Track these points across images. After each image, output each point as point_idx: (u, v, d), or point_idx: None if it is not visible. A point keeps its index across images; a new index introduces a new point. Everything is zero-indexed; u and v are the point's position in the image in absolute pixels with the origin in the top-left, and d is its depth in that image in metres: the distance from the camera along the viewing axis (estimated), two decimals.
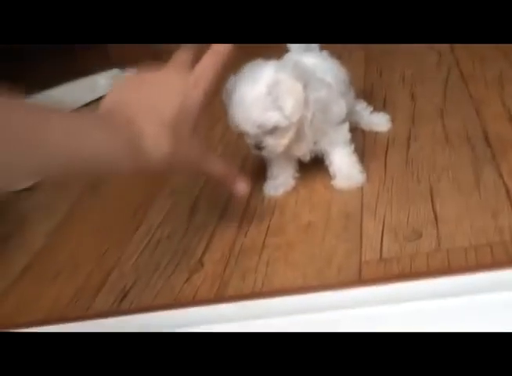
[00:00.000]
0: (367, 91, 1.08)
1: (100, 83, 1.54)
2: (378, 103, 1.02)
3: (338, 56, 0.93)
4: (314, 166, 0.87)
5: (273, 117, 0.76)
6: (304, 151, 0.84)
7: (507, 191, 0.73)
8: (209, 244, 0.80)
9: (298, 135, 0.80)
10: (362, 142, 0.92)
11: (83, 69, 1.85)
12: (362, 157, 0.87)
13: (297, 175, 0.88)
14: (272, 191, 0.87)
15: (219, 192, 0.90)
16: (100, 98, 1.50)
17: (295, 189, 0.86)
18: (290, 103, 0.75)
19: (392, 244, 0.69)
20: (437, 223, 0.70)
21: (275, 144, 0.79)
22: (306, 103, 0.77)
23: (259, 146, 0.79)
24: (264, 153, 0.81)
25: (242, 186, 0.75)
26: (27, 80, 1.82)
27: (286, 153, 0.83)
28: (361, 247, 0.70)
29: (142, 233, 0.87)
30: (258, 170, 0.91)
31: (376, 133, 0.93)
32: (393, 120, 0.95)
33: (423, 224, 0.71)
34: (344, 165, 0.83)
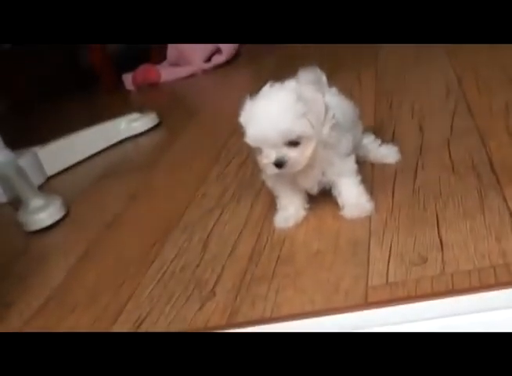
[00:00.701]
0: (377, 124, 1.11)
1: (121, 127, 1.59)
2: (387, 135, 1.05)
3: (350, 91, 0.96)
4: (323, 197, 0.89)
5: (300, 125, 0.77)
6: (311, 183, 0.86)
7: (511, 215, 0.74)
8: (221, 275, 0.81)
9: (308, 164, 0.82)
10: (370, 172, 0.94)
11: (104, 113, 1.92)
12: (370, 187, 0.89)
13: (307, 206, 0.90)
14: (283, 223, 0.88)
15: (231, 227, 0.93)
16: (122, 141, 1.57)
17: (305, 219, 0.88)
18: (315, 113, 0.78)
19: (398, 268, 0.70)
20: (442, 248, 0.72)
21: (298, 158, 0.79)
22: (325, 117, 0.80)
23: (281, 162, 0.79)
24: (284, 170, 0.80)
25: None
26: (49, 122, 1.89)
27: (295, 185, 0.86)
28: (368, 273, 0.71)
29: (157, 266, 0.89)
30: (270, 203, 0.94)
31: (385, 164, 0.95)
32: (401, 151, 0.97)
33: (428, 249, 0.72)
34: (351, 195, 0.85)
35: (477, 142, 0.93)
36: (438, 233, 0.75)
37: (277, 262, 0.80)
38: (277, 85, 0.82)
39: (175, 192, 1.15)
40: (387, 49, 1.58)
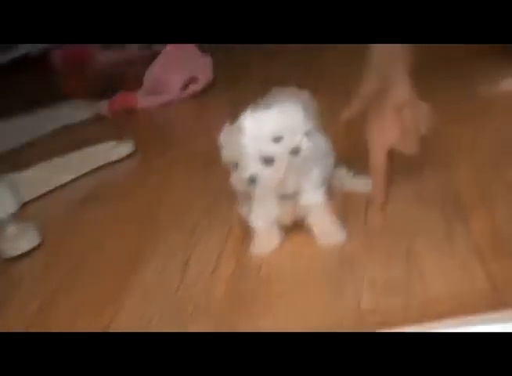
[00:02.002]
0: (350, 153, 1.14)
1: (99, 154, 1.61)
2: (360, 164, 1.09)
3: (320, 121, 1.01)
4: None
5: (277, 146, 0.83)
6: (285, 209, 0.90)
7: (476, 246, 0.78)
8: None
9: (281, 193, 0.88)
10: (342, 202, 0.98)
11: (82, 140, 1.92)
12: (343, 217, 0.93)
13: (282, 234, 0.93)
14: (259, 250, 0.92)
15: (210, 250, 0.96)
16: (99, 167, 1.58)
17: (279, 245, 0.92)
18: (292, 135, 0.84)
19: (370, 296, 0.74)
20: (413, 278, 0.76)
21: (271, 175, 0.84)
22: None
23: (255, 177, 0.83)
24: (255, 186, 0.84)
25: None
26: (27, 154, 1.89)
27: (269, 216, 0.91)
28: (341, 303, 0.75)
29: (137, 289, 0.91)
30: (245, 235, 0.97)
31: (356, 194, 0.99)
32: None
33: (399, 279, 0.76)
34: (323, 225, 0.89)
35: (444, 173, 0.98)
36: (410, 263, 0.79)
37: (253, 289, 0.83)
38: (260, 108, 0.88)
39: (158, 217, 1.17)
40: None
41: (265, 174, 0.84)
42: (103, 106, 2.14)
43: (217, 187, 1.21)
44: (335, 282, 0.79)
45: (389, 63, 0.94)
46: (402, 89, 0.93)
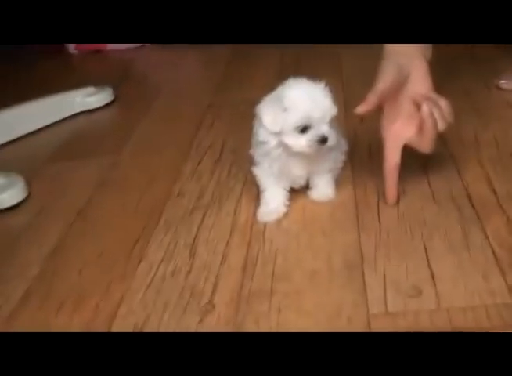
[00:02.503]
0: (350, 138, 1.15)
1: (76, 100, 1.54)
2: (363, 151, 1.10)
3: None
4: (312, 212, 0.93)
5: (335, 106, 0.91)
6: (302, 172, 0.96)
7: (493, 252, 0.81)
8: (216, 285, 0.83)
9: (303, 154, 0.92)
10: (353, 195, 0.99)
11: (44, 78, 1.84)
12: (355, 207, 0.94)
13: (287, 203, 0.97)
14: (266, 217, 0.96)
15: (217, 234, 0.95)
16: (76, 114, 1.52)
17: (295, 233, 0.92)
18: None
19: (396, 299, 0.76)
20: (434, 281, 0.78)
21: (334, 136, 0.90)
22: None
23: (326, 137, 0.89)
24: (326, 145, 0.90)
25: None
26: None
27: (282, 178, 0.96)
28: (367, 300, 0.76)
29: (145, 268, 0.90)
30: (254, 211, 0.97)
31: (367, 185, 1.00)
32: (380, 172, 1.01)
33: (421, 281, 0.78)
34: (322, 183, 0.98)
35: (454, 173, 1.00)
36: (428, 264, 0.81)
37: (272, 277, 0.83)
38: (299, 79, 0.92)
39: (148, 184, 1.15)
40: (350, 52, 1.62)
41: (332, 134, 0.90)
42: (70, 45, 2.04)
43: (214, 156, 1.20)
44: (358, 281, 0.80)
45: (407, 55, 0.92)
46: (420, 83, 0.92)
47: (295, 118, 0.89)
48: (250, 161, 0.99)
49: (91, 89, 1.58)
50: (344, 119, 1.23)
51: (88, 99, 1.56)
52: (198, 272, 0.87)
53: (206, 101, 1.49)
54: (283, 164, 0.94)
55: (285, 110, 0.89)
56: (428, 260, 0.82)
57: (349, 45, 1.42)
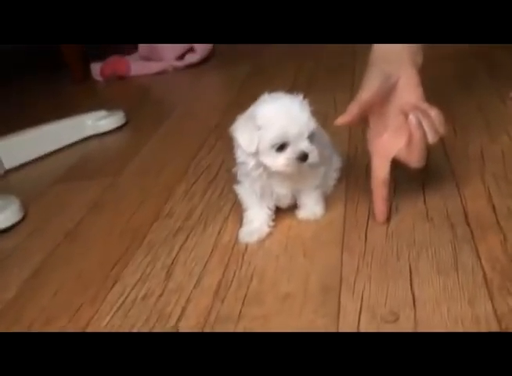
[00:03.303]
0: (351, 153, 1.09)
1: (87, 124, 1.54)
2: (360, 169, 1.04)
3: (325, 116, 0.96)
4: (295, 233, 0.87)
5: (314, 121, 0.86)
6: (286, 191, 0.90)
7: (484, 276, 0.73)
8: (185, 309, 0.79)
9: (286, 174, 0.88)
10: (343, 212, 0.93)
11: (68, 102, 1.86)
12: (342, 228, 0.88)
13: (271, 223, 0.92)
14: (247, 237, 0.91)
15: (197, 254, 0.90)
16: (87, 138, 1.52)
17: (275, 255, 0.86)
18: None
19: (369, 324, 0.69)
20: (414, 305, 0.71)
21: (315, 152, 0.85)
22: None
23: (305, 154, 0.84)
24: (307, 162, 0.85)
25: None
26: (17, 113, 1.82)
27: (265, 198, 0.91)
28: (338, 325, 0.70)
29: (118, 290, 0.86)
30: (238, 231, 0.92)
31: (358, 203, 0.94)
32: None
33: (400, 305, 0.71)
34: (309, 202, 0.92)
35: (453, 189, 0.93)
36: (411, 286, 0.74)
37: (244, 301, 0.78)
38: (275, 94, 0.88)
39: (140, 205, 1.12)
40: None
41: (313, 150, 0.85)
42: (95, 70, 2.06)
43: (210, 176, 1.17)
44: (332, 305, 0.74)
45: (395, 61, 0.85)
46: (408, 92, 0.85)
47: (270, 136, 0.83)
48: (235, 180, 0.95)
49: (102, 113, 1.57)
50: (349, 137, 1.18)
51: (99, 122, 1.55)
52: (169, 295, 0.83)
53: (214, 121, 1.46)
54: (264, 184, 0.89)
55: (259, 128, 0.84)
56: (411, 283, 0.75)
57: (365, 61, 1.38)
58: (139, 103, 1.78)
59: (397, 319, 0.69)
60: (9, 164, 1.43)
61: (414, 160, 0.84)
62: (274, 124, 0.83)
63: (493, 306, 0.68)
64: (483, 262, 0.76)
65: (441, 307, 0.70)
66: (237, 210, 0.99)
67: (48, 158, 1.48)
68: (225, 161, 1.21)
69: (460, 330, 0.66)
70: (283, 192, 0.90)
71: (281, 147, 0.84)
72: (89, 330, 0.79)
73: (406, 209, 0.90)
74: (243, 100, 1.59)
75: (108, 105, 1.65)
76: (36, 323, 0.83)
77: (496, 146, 1.03)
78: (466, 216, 0.86)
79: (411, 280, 0.75)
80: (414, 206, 0.90)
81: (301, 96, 0.87)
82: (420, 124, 0.82)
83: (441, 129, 0.83)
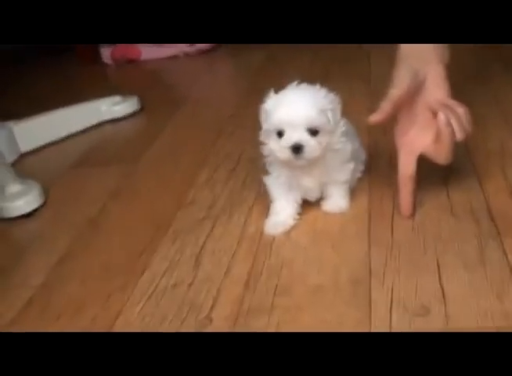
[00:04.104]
0: (371, 148, 1.10)
1: (102, 109, 1.54)
2: (382, 162, 1.05)
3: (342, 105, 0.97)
4: (323, 225, 0.89)
5: (323, 117, 0.85)
6: (313, 183, 0.92)
7: (511, 270, 0.75)
8: (217, 299, 0.80)
9: (313, 164, 0.89)
10: (367, 205, 0.94)
11: (77, 86, 1.86)
12: (368, 221, 0.90)
13: (297, 216, 0.94)
14: (272, 229, 0.92)
15: (225, 244, 0.92)
16: (100, 124, 1.53)
17: (303, 247, 0.88)
18: (334, 113, 0.87)
19: (401, 317, 0.71)
20: (444, 300, 0.73)
21: (314, 146, 0.85)
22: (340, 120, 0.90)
23: (299, 145, 0.84)
24: (301, 156, 0.85)
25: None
26: (25, 98, 1.82)
27: (293, 190, 0.92)
28: (370, 318, 0.72)
29: (147, 279, 0.87)
30: (264, 222, 0.94)
31: (383, 196, 0.96)
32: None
33: (430, 299, 0.73)
34: (336, 195, 0.94)
35: (475, 184, 0.94)
36: (440, 281, 0.76)
37: (275, 292, 0.80)
38: (304, 84, 0.89)
39: (162, 193, 1.13)
40: (379, 57, 1.57)
41: (310, 143, 0.85)
42: (105, 53, 2.06)
43: (230, 165, 1.18)
44: (363, 298, 0.75)
45: (422, 58, 0.87)
46: (436, 88, 0.87)
47: (269, 121, 0.87)
48: (263, 169, 0.96)
49: (117, 98, 1.57)
50: (367, 128, 1.19)
51: (114, 107, 1.56)
52: (200, 284, 0.84)
53: (229, 109, 1.47)
54: (291, 175, 0.91)
55: (266, 112, 0.88)
56: (440, 277, 0.77)
57: (380, 50, 1.39)
58: (151, 89, 1.78)
59: (428, 313, 0.71)
60: (24, 148, 1.44)
61: (442, 157, 0.85)
62: (275, 110, 0.86)
63: None
64: (509, 256, 0.78)
65: (471, 302, 0.72)
66: (261, 200, 1.01)
67: (62, 143, 1.48)
68: (246, 151, 1.22)
69: (490, 325, 0.68)
70: (310, 185, 0.92)
71: (280, 134, 0.86)
72: (121, 318, 0.80)
73: (430, 203, 0.92)
74: (257, 88, 1.59)
75: (120, 90, 1.66)
76: (67, 311, 0.84)
77: None
78: (489, 211, 0.87)
79: (439, 274, 0.77)
80: (438, 200, 0.92)
81: (322, 90, 0.88)
82: (448, 121, 0.83)
83: (469, 127, 0.84)
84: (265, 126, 0.89)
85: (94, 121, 1.54)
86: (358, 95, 1.36)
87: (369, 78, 1.48)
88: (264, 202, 1.00)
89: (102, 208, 1.11)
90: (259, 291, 0.80)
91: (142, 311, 0.81)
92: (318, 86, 0.89)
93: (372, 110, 1.15)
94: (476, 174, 0.97)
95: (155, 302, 0.82)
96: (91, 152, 1.40)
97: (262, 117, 0.89)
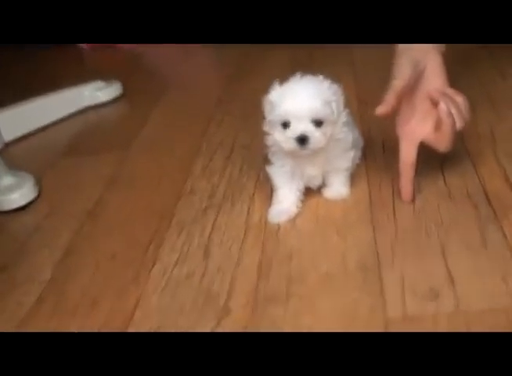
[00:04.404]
0: (364, 135, 1.13)
1: (85, 95, 1.53)
2: (377, 148, 1.08)
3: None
4: (326, 212, 0.92)
5: (327, 108, 0.88)
6: (317, 171, 0.94)
7: None
8: (231, 289, 0.83)
9: (316, 152, 0.91)
10: (367, 191, 0.97)
11: (57, 74, 1.83)
12: (369, 205, 0.93)
13: (299, 204, 0.96)
14: (275, 218, 0.95)
15: (231, 233, 0.94)
16: (85, 109, 1.51)
17: (309, 234, 0.91)
18: (338, 104, 0.90)
19: (413, 302, 0.75)
20: (452, 283, 0.76)
21: (319, 137, 0.87)
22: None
23: (305, 136, 0.87)
24: (306, 147, 0.87)
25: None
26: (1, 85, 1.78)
27: (295, 179, 0.95)
28: (384, 303, 0.75)
29: (159, 271, 0.89)
30: (267, 210, 0.96)
31: (381, 182, 0.99)
32: (395, 168, 0.99)
33: (439, 283, 0.77)
34: (337, 182, 0.97)
35: (469, 168, 0.98)
36: (446, 264, 0.80)
37: (288, 280, 0.82)
38: (308, 76, 0.91)
39: (158, 182, 1.14)
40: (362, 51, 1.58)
41: (315, 135, 0.87)
42: None
43: (225, 152, 1.19)
44: (374, 283, 0.79)
45: (421, 48, 0.89)
46: (435, 78, 0.90)
47: (274, 112, 0.89)
48: (264, 159, 0.98)
49: (100, 83, 1.56)
50: (357, 114, 1.22)
51: (97, 93, 1.54)
52: (213, 274, 0.86)
53: (216, 95, 1.48)
54: (295, 164, 0.93)
55: (271, 103, 0.89)
56: (446, 261, 0.80)
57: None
58: (132, 73, 1.76)
59: (437, 296, 0.75)
60: (7, 137, 1.42)
61: (443, 145, 0.88)
62: (280, 102, 0.88)
63: None
64: (509, 239, 0.82)
65: (477, 284, 0.76)
66: (262, 188, 1.03)
67: (47, 131, 1.47)
68: (238, 138, 1.23)
69: (498, 306, 0.72)
70: (313, 173, 0.94)
71: (285, 125, 0.88)
72: (139, 310, 0.82)
73: (429, 188, 0.95)
74: (241, 75, 1.61)
75: (98, 74, 1.64)
76: (82, 304, 0.85)
77: (504, 125, 1.09)
78: (486, 196, 0.91)
79: (445, 258, 0.81)
80: (436, 185, 0.96)
81: (325, 81, 0.90)
82: (449, 111, 0.86)
83: (467, 115, 0.88)
84: (269, 117, 0.90)
85: (77, 107, 1.53)
86: (344, 80, 1.38)
87: (353, 67, 1.50)
88: (264, 189, 1.02)
89: (99, 199, 1.12)
90: (273, 280, 0.83)
91: (159, 303, 0.83)
92: (321, 77, 0.91)
93: (359, 97, 1.19)
94: (470, 158, 1.01)
95: (170, 294, 0.84)
96: (79, 140, 1.40)
97: (266, 109, 0.91)
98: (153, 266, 0.90)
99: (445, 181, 0.96)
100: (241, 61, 1.69)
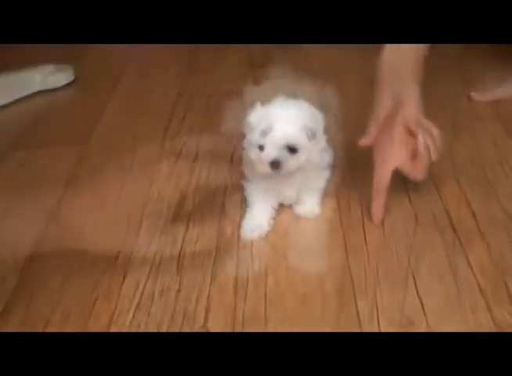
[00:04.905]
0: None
1: (36, 79, 1.46)
2: (344, 163, 1.10)
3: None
4: (299, 233, 0.94)
5: (304, 135, 0.88)
6: (292, 191, 0.96)
7: (478, 283, 0.84)
8: (209, 307, 0.83)
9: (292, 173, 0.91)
10: (337, 209, 1.00)
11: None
12: (341, 227, 0.96)
13: (271, 221, 0.97)
14: (249, 234, 0.95)
15: (203, 247, 0.94)
16: (37, 92, 1.45)
17: (282, 253, 0.92)
18: (316, 131, 0.90)
19: (389, 329, 0.78)
20: (424, 312, 0.80)
21: (292, 164, 0.89)
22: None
23: (277, 162, 0.87)
24: (279, 171, 0.88)
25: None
26: None
27: (270, 196, 0.96)
28: (361, 329, 0.78)
29: (131, 284, 0.88)
30: (238, 223, 0.97)
31: (350, 199, 1.01)
32: (363, 185, 1.02)
33: (412, 311, 0.80)
34: (309, 200, 0.98)
35: (433, 190, 1.02)
36: (417, 293, 0.83)
37: (265, 301, 0.83)
38: (290, 100, 0.92)
39: (122, 184, 1.10)
40: None
41: (289, 161, 0.88)
42: None
43: (189, 154, 1.18)
44: (350, 308, 0.81)
45: (401, 76, 0.93)
46: (412, 109, 0.93)
47: (252, 134, 0.89)
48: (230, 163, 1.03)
49: (51, 67, 1.50)
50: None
51: (48, 77, 1.48)
52: (187, 291, 0.86)
53: (174, 87, 1.45)
54: (270, 182, 0.94)
55: (250, 125, 0.90)
56: (417, 288, 0.84)
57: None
58: (80, 58, 1.69)
59: (412, 324, 0.79)
60: None
61: (419, 174, 0.92)
62: (257, 125, 0.88)
63: (491, 315, 0.79)
64: (474, 269, 0.87)
65: (448, 315, 0.80)
66: (231, 197, 1.03)
67: None
68: (202, 140, 1.22)
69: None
70: (289, 193, 0.96)
71: (261, 148, 0.89)
72: (114, 328, 0.81)
73: (396, 210, 0.98)
74: (199, 69, 1.58)
75: (47, 58, 1.56)
76: (53, 320, 0.83)
77: (462, 147, 1.13)
78: (450, 221, 0.96)
79: (416, 286, 0.84)
80: (403, 208, 0.99)
81: (307, 107, 0.91)
82: (426, 144, 0.90)
83: (442, 147, 0.92)
84: (247, 137, 0.90)
85: (26, 92, 1.46)
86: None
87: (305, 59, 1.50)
88: (234, 198, 1.03)
89: (60, 199, 1.08)
90: (250, 300, 0.84)
91: (134, 320, 0.82)
92: (304, 102, 0.91)
93: None
94: (432, 180, 1.05)
95: (145, 311, 0.83)
96: (33, 129, 1.34)
97: (246, 129, 0.91)
98: (124, 279, 0.89)
99: (411, 203, 1.00)
100: (196, 52, 1.66)
